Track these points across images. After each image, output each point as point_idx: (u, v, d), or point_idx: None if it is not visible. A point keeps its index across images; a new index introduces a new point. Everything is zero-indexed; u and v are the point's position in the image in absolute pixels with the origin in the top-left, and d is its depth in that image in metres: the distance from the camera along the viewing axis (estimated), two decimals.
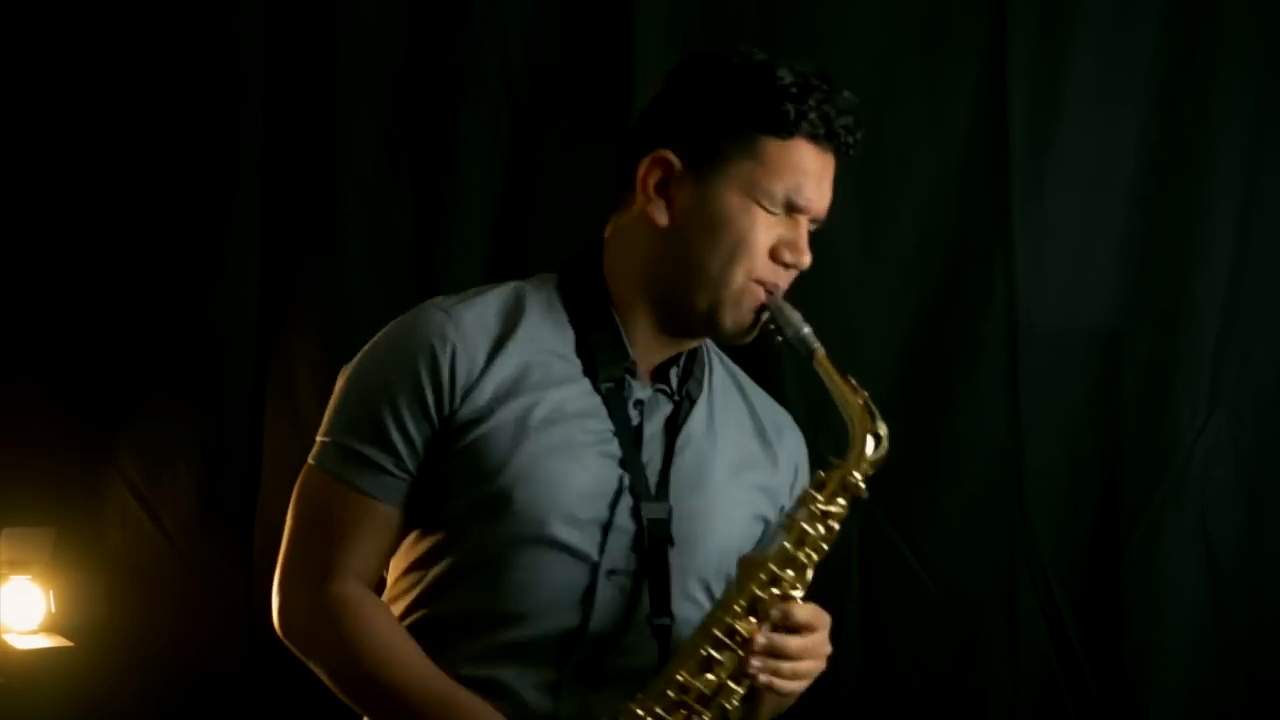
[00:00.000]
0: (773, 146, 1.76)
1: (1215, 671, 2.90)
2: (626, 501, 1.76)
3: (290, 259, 2.82)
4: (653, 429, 1.81)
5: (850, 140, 1.80)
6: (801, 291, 2.87)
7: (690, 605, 1.80)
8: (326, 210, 2.82)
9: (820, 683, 2.85)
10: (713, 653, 1.70)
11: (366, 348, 1.81)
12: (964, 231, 2.89)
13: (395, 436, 1.74)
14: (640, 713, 1.69)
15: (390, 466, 1.75)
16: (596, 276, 1.83)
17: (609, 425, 1.78)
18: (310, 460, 1.80)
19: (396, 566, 1.83)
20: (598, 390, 1.78)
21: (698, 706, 1.70)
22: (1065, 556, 2.89)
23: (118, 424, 2.79)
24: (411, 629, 1.78)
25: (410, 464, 1.75)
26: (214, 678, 2.79)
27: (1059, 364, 2.88)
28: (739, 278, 1.77)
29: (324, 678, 1.78)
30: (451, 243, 2.84)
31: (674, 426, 1.82)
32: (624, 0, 2.82)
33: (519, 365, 1.76)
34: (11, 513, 2.73)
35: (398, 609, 1.81)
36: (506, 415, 1.73)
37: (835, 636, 2.78)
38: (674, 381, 1.84)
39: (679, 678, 1.69)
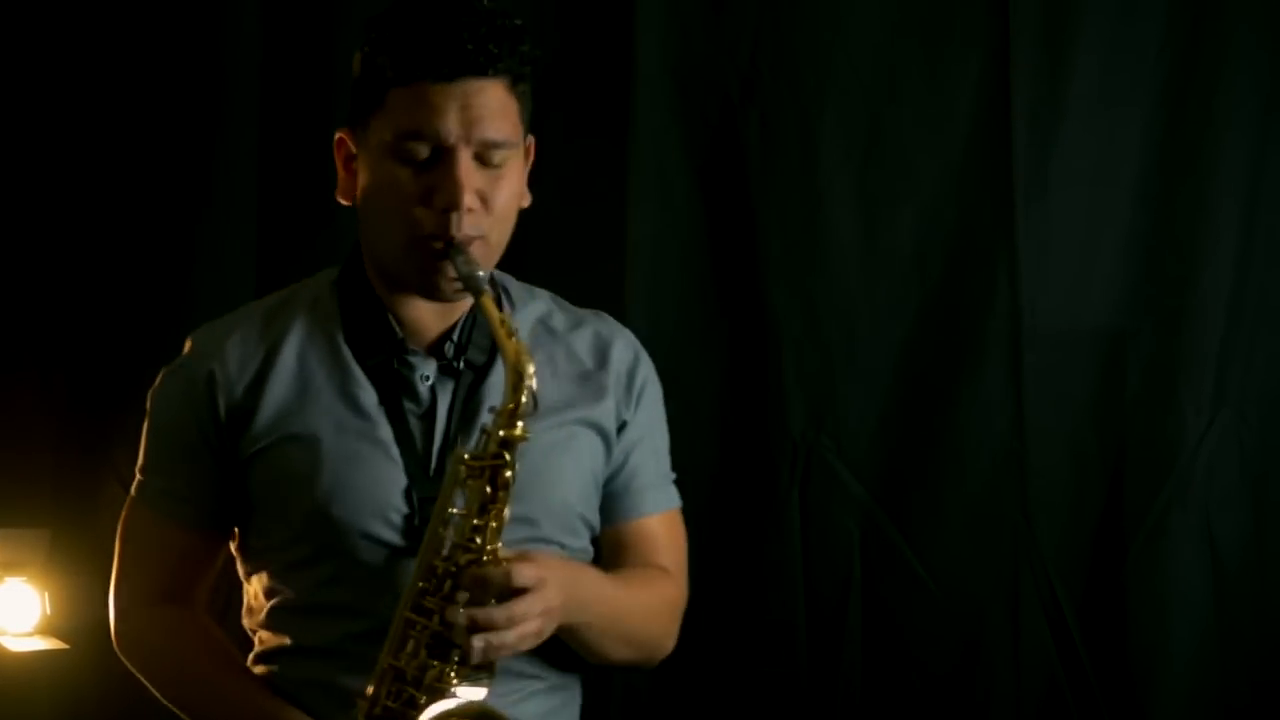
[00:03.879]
0: (395, 96, 1.72)
1: (1219, 674, 2.88)
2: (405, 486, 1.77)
3: (287, 258, 2.81)
4: (444, 405, 1.80)
5: (484, 58, 1.71)
6: (803, 290, 2.90)
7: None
8: (323, 209, 2.80)
9: (822, 684, 2.88)
10: (413, 635, 1.67)
11: (160, 377, 1.90)
12: (967, 231, 2.88)
13: (179, 471, 1.83)
14: (365, 703, 1.69)
15: (183, 497, 1.84)
16: (360, 273, 1.85)
17: (384, 413, 1.78)
18: (131, 491, 1.90)
19: (254, 589, 1.89)
20: (372, 380, 1.79)
21: (412, 690, 1.67)
22: (1069, 557, 2.88)
23: (113, 425, 2.76)
24: (283, 651, 1.84)
25: (201, 493, 1.83)
26: None
27: (1062, 363, 2.87)
28: (401, 238, 1.74)
29: (154, 691, 1.89)
30: None
31: (455, 400, 1.80)
32: None
33: (296, 380, 1.79)
34: (7, 514, 2.72)
35: (266, 632, 1.87)
36: (295, 442, 1.77)
37: (837, 636, 2.86)
38: (449, 352, 1.81)
39: (390, 662, 1.67)
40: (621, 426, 1.89)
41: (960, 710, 2.86)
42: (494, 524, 1.66)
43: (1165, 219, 2.89)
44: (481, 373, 1.82)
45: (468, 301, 1.81)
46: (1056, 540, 2.87)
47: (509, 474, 1.66)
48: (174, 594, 1.88)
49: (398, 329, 1.80)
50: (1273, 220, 2.89)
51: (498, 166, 1.75)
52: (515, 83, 1.78)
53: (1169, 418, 2.88)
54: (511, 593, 1.64)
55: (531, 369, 1.66)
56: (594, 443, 1.87)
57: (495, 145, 1.74)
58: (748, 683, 2.86)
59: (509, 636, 1.63)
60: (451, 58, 1.70)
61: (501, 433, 1.66)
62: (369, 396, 1.79)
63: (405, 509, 1.76)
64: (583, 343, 1.91)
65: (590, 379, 1.89)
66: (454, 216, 1.71)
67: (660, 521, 1.94)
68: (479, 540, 1.66)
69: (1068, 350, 2.88)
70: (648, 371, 1.95)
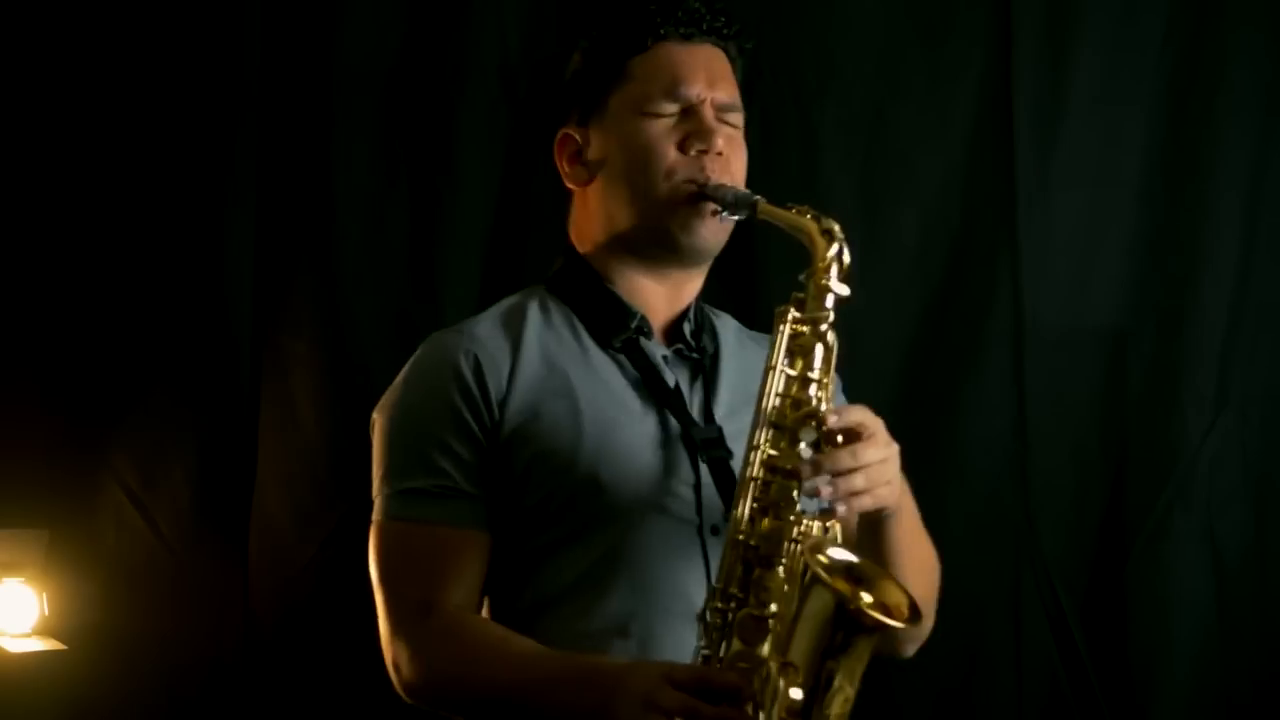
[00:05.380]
0: (637, 63, 1.83)
1: (1221, 674, 2.88)
2: (682, 440, 1.78)
3: (286, 259, 2.81)
4: (683, 384, 1.84)
5: (717, 22, 1.85)
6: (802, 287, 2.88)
7: None
8: (323, 210, 2.80)
9: None
10: (764, 495, 1.67)
11: (393, 390, 1.83)
12: (968, 230, 2.87)
13: (447, 463, 1.76)
14: (719, 586, 1.65)
15: (453, 492, 1.76)
16: (580, 265, 1.88)
17: (638, 383, 1.81)
18: (376, 517, 1.80)
19: (492, 595, 1.81)
20: (618, 355, 1.82)
21: (772, 551, 1.65)
22: (1070, 558, 2.87)
23: (112, 426, 2.77)
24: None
25: (472, 485, 1.76)
26: (209, 680, 2.77)
27: (1064, 364, 2.87)
28: (660, 183, 1.80)
29: (469, 712, 1.72)
30: (449, 243, 2.83)
31: (704, 374, 1.85)
32: None
33: (543, 361, 1.80)
34: (5, 515, 2.71)
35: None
36: (555, 412, 1.77)
37: None
38: (688, 335, 1.86)
39: (739, 537, 1.66)
40: None
41: (961, 711, 2.86)
42: (825, 379, 1.70)
43: (1166, 219, 2.89)
44: (714, 361, 1.87)
45: (694, 285, 1.88)
46: (1058, 541, 2.87)
47: (830, 331, 1.71)
48: (464, 606, 1.75)
49: (634, 309, 1.84)
50: (1274, 219, 2.89)
51: (735, 128, 1.85)
52: (734, 54, 1.88)
53: (1171, 418, 2.87)
54: (844, 436, 1.65)
55: (838, 227, 1.72)
56: None
57: (729, 108, 1.84)
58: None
59: (858, 480, 1.63)
60: (689, 19, 1.83)
61: (820, 282, 1.72)
62: (616, 377, 1.81)
63: (678, 474, 1.77)
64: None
65: None
66: (707, 160, 1.80)
67: None
68: (811, 391, 1.69)
69: (1069, 351, 2.87)
70: None
